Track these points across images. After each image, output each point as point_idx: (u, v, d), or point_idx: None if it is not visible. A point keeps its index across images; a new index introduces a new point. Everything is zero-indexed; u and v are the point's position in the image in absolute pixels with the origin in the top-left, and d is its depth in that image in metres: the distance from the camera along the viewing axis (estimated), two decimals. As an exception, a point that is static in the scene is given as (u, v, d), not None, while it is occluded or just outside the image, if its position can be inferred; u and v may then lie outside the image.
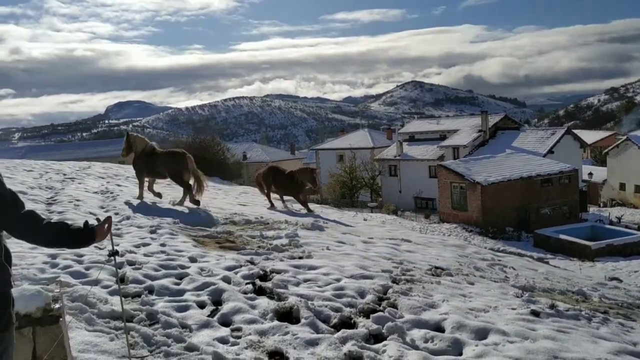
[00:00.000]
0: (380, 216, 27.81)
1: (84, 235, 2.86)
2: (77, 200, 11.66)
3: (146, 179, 13.23)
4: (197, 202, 12.53)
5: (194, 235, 9.01)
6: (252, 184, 37.90)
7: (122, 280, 5.68)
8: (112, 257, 3.43)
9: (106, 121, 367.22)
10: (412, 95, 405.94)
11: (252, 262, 7.03)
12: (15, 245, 6.98)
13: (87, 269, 6.00)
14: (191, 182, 12.79)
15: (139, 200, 12.62)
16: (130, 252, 7.08)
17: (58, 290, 3.40)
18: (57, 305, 3.16)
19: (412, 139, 48.93)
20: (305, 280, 6.21)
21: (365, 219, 16.29)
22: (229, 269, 6.50)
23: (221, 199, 17.42)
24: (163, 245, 7.71)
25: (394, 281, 6.69)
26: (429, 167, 44.09)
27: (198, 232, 9.38)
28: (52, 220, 2.85)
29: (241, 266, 6.68)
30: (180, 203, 12.60)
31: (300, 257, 7.72)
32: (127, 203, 12.28)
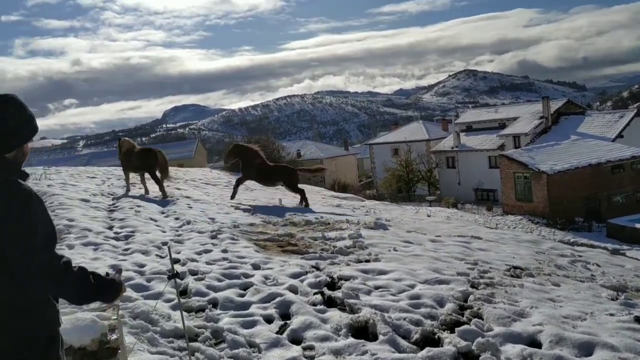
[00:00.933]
0: (441, 210, 26.96)
1: (114, 290, 2.40)
2: (138, 207, 11.62)
3: (132, 174, 15.16)
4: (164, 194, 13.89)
5: (255, 240, 8.71)
6: (307, 182, 37.73)
7: (184, 292, 5.39)
8: (173, 279, 3.08)
9: (164, 125, 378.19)
10: (465, 84, 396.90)
11: (317, 268, 6.63)
12: (77, 256, 6.86)
13: (149, 280, 5.75)
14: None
15: (200, 204, 12.56)
16: (192, 260, 6.82)
17: (115, 318, 3.07)
18: (114, 336, 2.83)
19: (470, 129, 47.40)
20: (377, 288, 5.74)
21: (428, 215, 15.62)
22: (295, 276, 6.12)
23: (278, 198, 17.18)
24: (225, 251, 7.42)
25: (473, 285, 6.13)
26: (488, 157, 42.58)
27: (259, 236, 9.08)
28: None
29: (306, 273, 6.28)
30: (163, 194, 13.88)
31: (367, 261, 7.26)
32: (188, 206, 12.23)
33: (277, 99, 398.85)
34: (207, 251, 7.43)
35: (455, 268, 7.11)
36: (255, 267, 6.55)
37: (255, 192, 18.60)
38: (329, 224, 10.94)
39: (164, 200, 13.18)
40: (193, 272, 6.13)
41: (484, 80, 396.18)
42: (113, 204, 12.16)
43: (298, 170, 16.01)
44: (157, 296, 5.04)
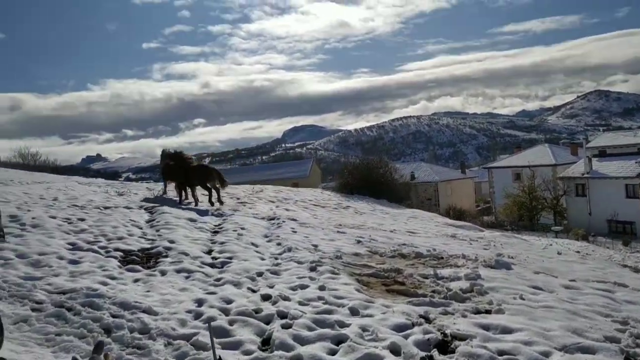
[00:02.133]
0: (569, 242, 24.30)
1: None
2: (242, 229, 11.25)
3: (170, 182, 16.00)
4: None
5: (358, 274, 7.83)
6: (421, 206, 36.19)
7: (267, 342, 4.63)
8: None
9: (283, 145, 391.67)
10: (595, 105, 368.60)
11: (426, 318, 5.59)
12: (166, 285, 6.41)
13: (232, 322, 5.08)
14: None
15: (305, 229, 12.00)
16: (285, 298, 6.09)
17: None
18: None
19: (603, 154, 43.07)
20: (501, 354, 4.60)
21: (559, 253, 13.77)
22: (398, 328, 5.14)
23: (389, 224, 16.20)
24: (322, 288, 6.62)
25: (628, 358, 4.76)
26: (625, 185, 38.27)
27: (362, 270, 8.19)
28: None
29: (413, 325, 5.28)
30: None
31: (488, 312, 6.08)
32: (292, 231, 11.68)
33: (393, 120, 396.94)
34: (303, 287, 6.68)
35: (600, 329, 5.71)
36: (354, 312, 5.66)
37: (365, 217, 17.77)
38: (442, 258, 9.78)
39: (269, 223, 12.77)
40: (282, 315, 5.39)
41: (617, 102, 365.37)
42: (219, 225, 11.92)
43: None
44: (237, 345, 4.34)
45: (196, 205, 14.62)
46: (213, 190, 15.21)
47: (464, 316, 5.78)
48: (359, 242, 11.09)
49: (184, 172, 15.11)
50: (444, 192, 53.46)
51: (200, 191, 15.73)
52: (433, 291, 7.03)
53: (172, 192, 16.03)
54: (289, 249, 9.35)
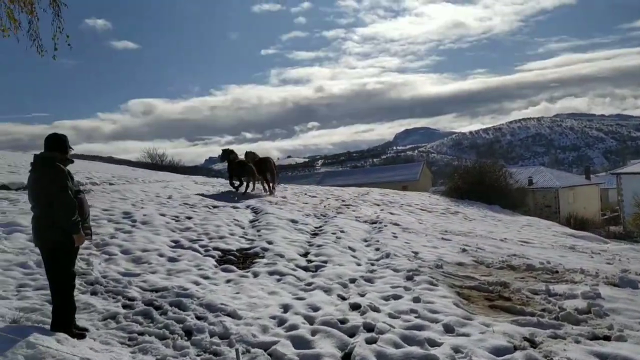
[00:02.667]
0: None
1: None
2: (341, 232, 11.01)
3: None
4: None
5: (459, 286, 7.24)
6: (538, 214, 33.76)
7: (347, 357, 4.29)
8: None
9: (394, 147, 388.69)
10: None
11: (531, 342, 4.94)
12: (256, 287, 6.30)
13: (314, 333, 4.80)
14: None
15: (407, 234, 11.50)
16: (374, 309, 5.70)
17: None
18: None
19: None
20: (620, 393, 3.89)
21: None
22: (497, 352, 4.57)
23: (500, 232, 15.15)
24: (416, 300, 6.16)
25: None
26: None
27: (464, 281, 7.57)
28: None
29: (515, 349, 4.67)
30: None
31: (607, 338, 5.27)
32: (393, 235, 11.25)
33: (511, 122, 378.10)
34: (396, 297, 6.26)
35: None
36: (448, 329, 5.15)
37: (474, 223, 16.81)
38: (556, 272, 8.84)
39: (371, 227, 12.44)
40: (368, 327, 5.02)
41: None
42: (319, 227, 11.79)
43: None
44: (315, 359, 4.04)
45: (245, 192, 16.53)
46: (247, 183, 16.81)
47: (578, 342, 5.04)
48: (464, 250, 10.40)
49: (230, 168, 17.12)
50: (565, 199, 49.66)
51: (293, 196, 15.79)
52: (543, 310, 6.29)
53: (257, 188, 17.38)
54: (387, 255, 8.95)
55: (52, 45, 6.54)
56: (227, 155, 17.05)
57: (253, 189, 16.90)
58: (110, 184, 18.60)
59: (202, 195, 15.62)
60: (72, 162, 4.71)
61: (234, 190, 16.74)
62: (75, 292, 5.74)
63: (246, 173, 16.66)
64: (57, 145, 4.58)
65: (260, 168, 16.96)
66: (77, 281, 6.17)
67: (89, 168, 28.14)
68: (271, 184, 17.23)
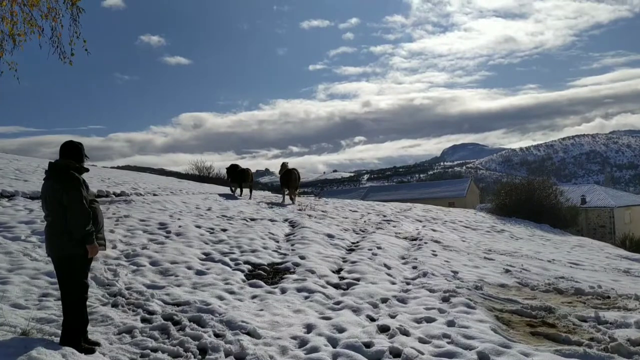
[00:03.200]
0: None
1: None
2: (378, 248, 10.64)
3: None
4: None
5: (499, 310, 6.75)
6: (592, 234, 32.16)
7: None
8: None
9: (441, 163, 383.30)
10: None
11: (576, 376, 4.46)
12: (282, 305, 6.02)
13: (336, 356, 4.47)
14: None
15: (447, 252, 11.04)
16: (404, 332, 5.33)
17: None
18: None
19: None
20: None
21: None
22: (536, 387, 4.11)
23: (548, 252, 14.38)
24: (451, 324, 5.73)
25: None
26: None
27: (505, 305, 7.07)
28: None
29: (557, 384, 4.20)
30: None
31: (664, 375, 4.71)
32: (433, 253, 10.79)
33: (563, 139, 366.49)
34: (429, 320, 5.86)
35: None
36: (482, 357, 4.72)
37: (520, 242, 16.06)
38: (608, 297, 8.18)
39: (410, 244, 12.02)
40: (395, 353, 4.66)
41: None
42: (356, 243, 11.46)
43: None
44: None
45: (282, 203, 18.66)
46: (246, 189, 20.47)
47: (629, 379, 4.51)
48: (507, 271, 9.84)
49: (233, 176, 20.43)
50: (621, 219, 47.34)
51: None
52: (591, 339, 5.75)
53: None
54: (424, 274, 8.52)
55: (69, 50, 6.54)
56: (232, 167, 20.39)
57: (240, 194, 20.32)
58: (154, 194, 18.85)
59: (242, 208, 15.55)
60: (87, 170, 4.59)
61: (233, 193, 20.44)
62: (96, 304, 5.63)
63: (240, 180, 20.18)
64: (72, 153, 4.48)
65: (285, 179, 19.12)
66: (100, 292, 6.08)
67: (137, 179, 28.78)
68: (292, 195, 19.25)
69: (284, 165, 19.65)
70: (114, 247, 8.44)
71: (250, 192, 20.85)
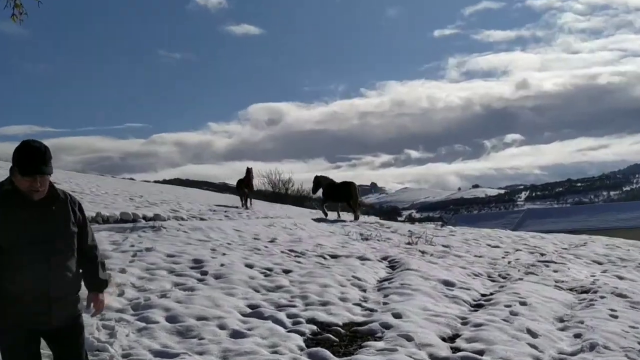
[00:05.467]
0: None
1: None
2: (522, 304, 10.10)
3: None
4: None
5: None
6: None
7: None
8: None
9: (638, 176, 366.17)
10: None
11: None
12: None
13: None
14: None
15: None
16: None
17: None
18: None
19: None
20: None
21: None
22: None
23: None
24: None
25: None
26: None
27: None
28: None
29: None
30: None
31: None
32: (611, 313, 10.10)
33: None
34: None
35: None
36: None
37: None
38: None
39: (575, 298, 11.43)
40: None
41: None
42: (487, 295, 10.98)
43: None
44: None
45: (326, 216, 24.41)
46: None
47: None
48: None
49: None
50: None
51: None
52: None
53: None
54: (591, 347, 7.94)
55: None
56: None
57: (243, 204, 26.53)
58: (201, 219, 19.39)
59: (322, 240, 15.58)
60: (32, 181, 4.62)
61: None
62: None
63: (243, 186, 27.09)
64: (14, 158, 4.47)
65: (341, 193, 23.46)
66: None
67: (183, 197, 29.90)
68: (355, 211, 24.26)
69: (320, 177, 24.86)
70: (121, 295, 8.59)
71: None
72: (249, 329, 7.64)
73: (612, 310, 10.47)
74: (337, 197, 24.03)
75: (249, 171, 27.04)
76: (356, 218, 23.70)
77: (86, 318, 5.48)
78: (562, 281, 13.05)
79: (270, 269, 11.08)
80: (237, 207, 25.76)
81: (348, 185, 23.65)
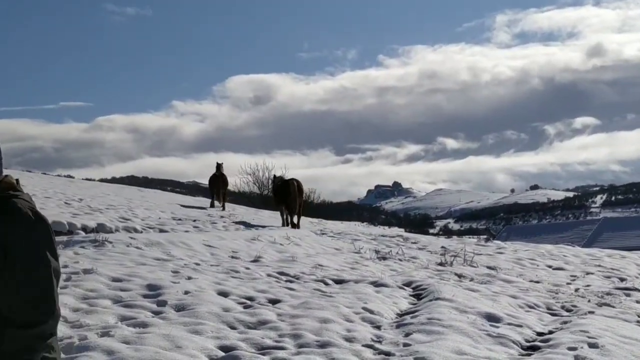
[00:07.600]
0: None
1: None
2: (591, 346, 10.15)
3: None
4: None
5: None
6: None
7: None
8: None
9: None
10: None
11: None
12: None
13: None
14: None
15: None
16: None
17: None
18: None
19: None
20: None
21: None
22: None
23: None
24: None
25: None
26: None
27: None
28: None
29: None
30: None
31: None
32: None
33: None
34: None
35: None
36: None
37: None
38: None
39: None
40: None
41: None
42: (544, 334, 11.03)
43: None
44: None
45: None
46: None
47: None
48: None
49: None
50: None
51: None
52: None
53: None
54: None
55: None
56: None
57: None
58: (161, 230, 19.44)
59: (324, 259, 15.63)
60: None
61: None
62: None
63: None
64: None
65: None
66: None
67: (136, 201, 29.96)
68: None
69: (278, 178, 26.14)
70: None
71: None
72: (219, 384, 7.70)
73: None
74: (280, 198, 25.88)
75: (219, 167, 29.44)
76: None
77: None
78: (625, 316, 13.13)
79: (251, 298, 11.13)
80: (209, 214, 25.90)
81: (287, 183, 25.62)
